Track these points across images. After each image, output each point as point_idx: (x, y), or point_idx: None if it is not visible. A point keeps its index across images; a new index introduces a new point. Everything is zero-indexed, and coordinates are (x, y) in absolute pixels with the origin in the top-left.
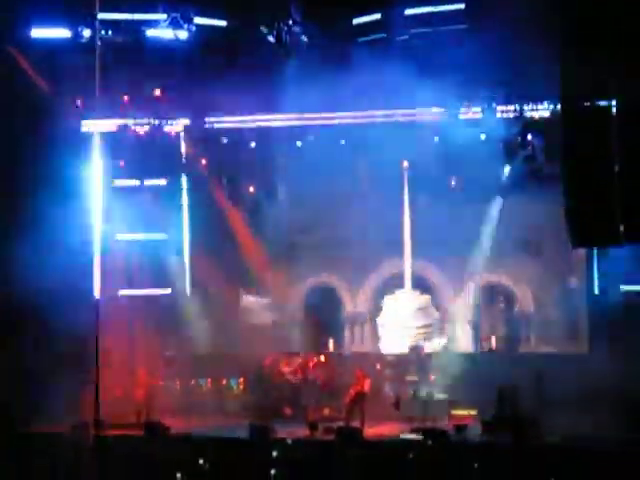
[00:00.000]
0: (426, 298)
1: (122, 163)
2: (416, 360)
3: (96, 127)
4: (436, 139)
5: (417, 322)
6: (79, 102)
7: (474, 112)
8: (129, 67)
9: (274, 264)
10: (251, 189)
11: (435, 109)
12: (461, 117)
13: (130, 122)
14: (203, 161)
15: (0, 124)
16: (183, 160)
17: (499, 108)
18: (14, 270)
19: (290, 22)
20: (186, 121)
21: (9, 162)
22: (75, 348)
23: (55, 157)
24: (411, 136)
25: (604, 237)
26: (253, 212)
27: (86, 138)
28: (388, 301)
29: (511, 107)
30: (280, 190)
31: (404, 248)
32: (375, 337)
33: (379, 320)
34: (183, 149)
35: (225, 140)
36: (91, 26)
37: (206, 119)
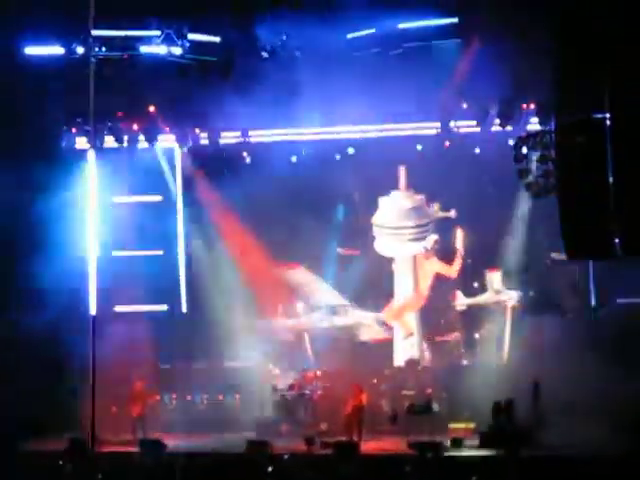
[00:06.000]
0: (420, 198)
1: (117, 180)
2: (412, 374)
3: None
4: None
5: (410, 222)
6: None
7: (469, 126)
8: (123, 84)
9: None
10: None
11: (431, 123)
12: (456, 131)
13: (124, 138)
14: (200, 176)
15: None
16: (178, 176)
17: (494, 122)
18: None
19: (284, 37)
20: (180, 137)
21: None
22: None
23: (50, 175)
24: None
25: (600, 251)
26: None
27: (81, 155)
28: (383, 201)
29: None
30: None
31: None
32: None
33: (374, 220)
34: (178, 165)
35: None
36: (85, 43)
37: (201, 134)
